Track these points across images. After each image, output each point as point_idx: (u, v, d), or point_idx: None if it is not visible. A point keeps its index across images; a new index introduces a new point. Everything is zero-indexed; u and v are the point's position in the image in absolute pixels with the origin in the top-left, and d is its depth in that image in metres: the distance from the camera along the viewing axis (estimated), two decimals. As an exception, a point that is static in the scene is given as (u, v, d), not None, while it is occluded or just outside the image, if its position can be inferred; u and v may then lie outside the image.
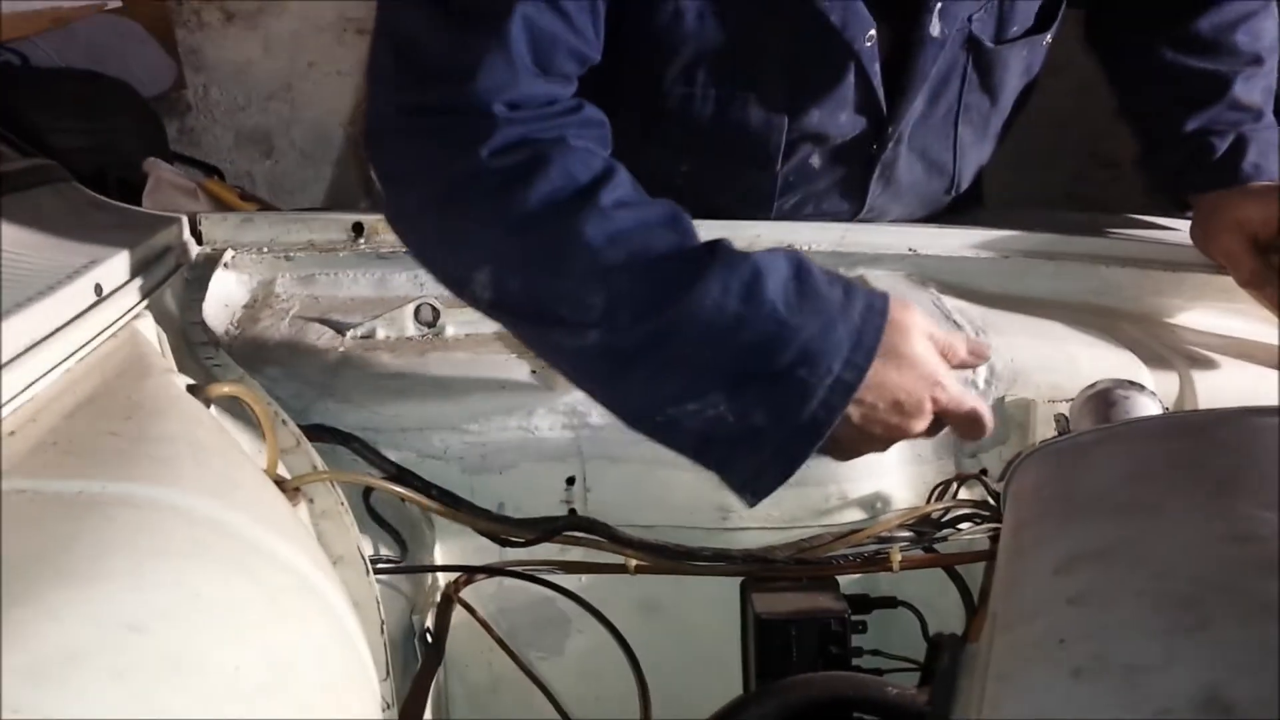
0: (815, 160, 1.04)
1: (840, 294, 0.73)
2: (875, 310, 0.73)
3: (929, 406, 0.74)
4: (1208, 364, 0.96)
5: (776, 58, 0.96)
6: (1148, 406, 0.82)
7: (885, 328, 0.73)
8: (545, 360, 0.84)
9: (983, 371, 0.90)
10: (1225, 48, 1.07)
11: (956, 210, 1.20)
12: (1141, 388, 0.84)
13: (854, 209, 1.11)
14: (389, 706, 0.67)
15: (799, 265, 0.74)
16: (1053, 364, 0.91)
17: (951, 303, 0.99)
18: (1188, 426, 0.70)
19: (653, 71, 0.97)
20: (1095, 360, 0.92)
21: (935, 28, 0.98)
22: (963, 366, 0.80)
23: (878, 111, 1.02)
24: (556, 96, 0.81)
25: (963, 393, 0.76)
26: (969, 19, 1.00)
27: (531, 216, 0.75)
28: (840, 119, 1.01)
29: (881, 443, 0.76)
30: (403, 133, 0.81)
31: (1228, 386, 0.93)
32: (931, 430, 0.77)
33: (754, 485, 0.74)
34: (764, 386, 0.71)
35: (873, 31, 0.95)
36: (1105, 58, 1.17)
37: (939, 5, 0.97)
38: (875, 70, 0.98)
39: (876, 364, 0.72)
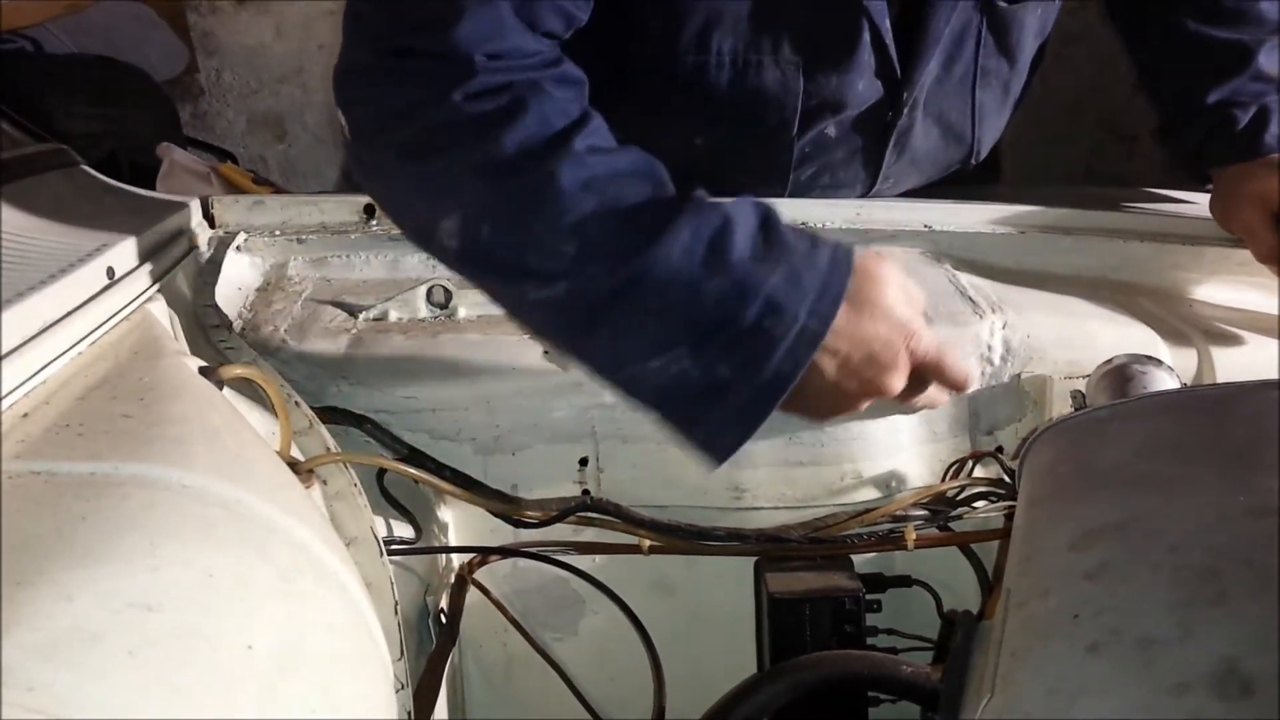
0: (831, 130, 1.03)
1: (807, 245, 0.73)
2: (841, 259, 0.73)
3: (904, 359, 0.74)
4: (1226, 339, 0.95)
5: (791, 17, 0.95)
6: (1165, 381, 0.81)
7: (853, 276, 0.72)
8: (511, 315, 0.81)
9: (999, 348, 0.89)
10: (1250, 16, 1.05)
11: (976, 181, 1.18)
12: (1159, 363, 0.83)
13: (869, 179, 1.10)
14: (403, 686, 0.67)
15: (766, 217, 0.73)
16: (1069, 340, 0.90)
17: (967, 279, 0.98)
18: (1205, 401, 0.69)
19: (665, 39, 0.95)
20: (1112, 335, 0.91)
21: None
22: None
23: (892, 76, 1.00)
24: (538, 50, 0.79)
25: (940, 344, 0.75)
26: None
27: (505, 162, 0.73)
28: (858, 86, 1.00)
29: (857, 399, 0.76)
30: (377, 74, 0.79)
31: (1246, 361, 0.92)
32: (912, 390, 0.76)
33: (717, 443, 0.73)
34: (729, 339, 0.70)
35: None
36: (1125, 30, 1.15)
37: None
38: (886, 27, 0.97)
39: (846, 312, 0.72)
